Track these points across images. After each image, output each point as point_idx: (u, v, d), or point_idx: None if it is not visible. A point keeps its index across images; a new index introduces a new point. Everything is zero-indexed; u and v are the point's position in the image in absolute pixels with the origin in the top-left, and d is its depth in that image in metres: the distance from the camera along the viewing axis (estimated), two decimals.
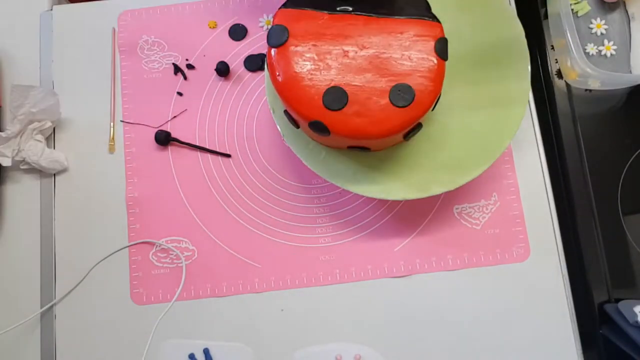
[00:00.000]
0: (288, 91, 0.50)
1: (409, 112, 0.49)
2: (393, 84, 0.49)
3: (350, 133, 0.50)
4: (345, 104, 0.49)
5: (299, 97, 0.50)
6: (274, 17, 0.52)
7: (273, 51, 0.51)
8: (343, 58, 0.50)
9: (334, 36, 0.51)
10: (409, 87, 0.49)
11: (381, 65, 0.50)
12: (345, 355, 0.62)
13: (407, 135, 0.53)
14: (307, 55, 0.50)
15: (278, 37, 0.51)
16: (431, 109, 0.51)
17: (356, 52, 0.50)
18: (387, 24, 0.51)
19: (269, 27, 0.52)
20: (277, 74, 0.51)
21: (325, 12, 0.51)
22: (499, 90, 0.58)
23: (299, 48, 0.50)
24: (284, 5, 0.52)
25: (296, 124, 0.55)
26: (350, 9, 0.51)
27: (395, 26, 0.51)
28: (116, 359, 0.63)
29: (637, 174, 0.64)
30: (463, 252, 0.63)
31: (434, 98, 0.50)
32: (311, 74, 0.50)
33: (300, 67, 0.50)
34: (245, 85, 0.68)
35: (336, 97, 0.49)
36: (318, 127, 0.50)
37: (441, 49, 0.50)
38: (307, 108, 0.50)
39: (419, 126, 0.52)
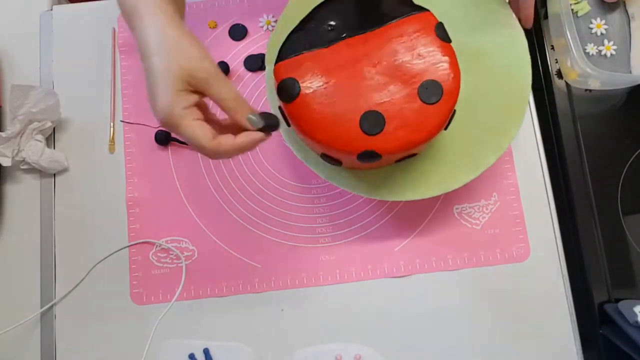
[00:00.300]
0: (323, 135, 0.50)
1: (443, 104, 0.49)
2: (417, 85, 0.49)
3: (400, 148, 0.49)
4: (384, 123, 0.49)
5: (337, 137, 0.49)
6: (275, 74, 0.51)
7: (291, 106, 0.50)
8: (360, 82, 0.50)
9: (342, 66, 0.50)
10: (434, 81, 0.49)
11: (398, 73, 0.50)
12: (345, 355, 0.62)
13: (447, 126, 0.52)
14: (326, 94, 0.50)
15: (290, 90, 0.50)
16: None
17: (370, 71, 0.50)
18: (383, 33, 0.51)
19: (276, 85, 0.51)
20: (305, 124, 0.50)
21: (322, 47, 0.51)
22: (498, 91, 0.58)
23: (314, 91, 0.50)
24: (279, 59, 0.51)
25: (338, 163, 0.54)
26: (344, 34, 0.51)
27: (392, 32, 0.51)
28: (116, 359, 0.63)
29: (637, 174, 0.64)
30: (463, 252, 0.63)
31: (459, 81, 0.50)
32: (339, 110, 0.49)
33: (325, 108, 0.49)
34: (245, 85, 0.68)
35: (373, 121, 0.49)
36: (369, 156, 0.50)
37: (442, 33, 0.50)
38: (350, 143, 0.49)
39: (454, 112, 0.52)
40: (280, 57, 0.52)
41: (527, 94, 0.57)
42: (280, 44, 0.52)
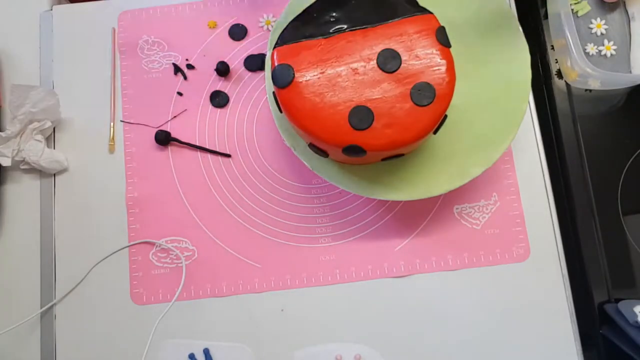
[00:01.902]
0: (312, 125, 0.50)
1: (435, 108, 0.49)
2: (411, 85, 0.49)
3: (386, 146, 0.50)
4: (373, 120, 0.49)
5: (324, 128, 0.50)
6: (272, 59, 0.52)
7: (283, 92, 0.50)
8: (354, 76, 0.50)
9: (338, 58, 0.50)
10: (427, 84, 0.49)
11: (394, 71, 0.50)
12: (345, 355, 0.62)
13: (437, 130, 0.53)
14: (319, 84, 0.50)
15: (284, 76, 0.50)
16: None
17: (365, 67, 0.50)
18: (383, 30, 0.51)
19: (272, 70, 0.51)
20: (295, 112, 0.50)
21: (321, 37, 0.51)
22: (498, 91, 0.58)
23: (308, 80, 0.50)
24: (278, 44, 0.52)
25: (324, 154, 0.54)
26: (345, 26, 0.51)
27: (393, 30, 0.51)
28: (116, 359, 0.63)
29: (637, 174, 0.64)
30: (463, 252, 0.63)
31: (453, 87, 0.50)
32: (329, 101, 0.50)
33: (317, 98, 0.50)
34: (245, 85, 0.68)
35: (361, 116, 0.49)
36: (354, 151, 0.50)
37: (442, 37, 0.50)
38: (337, 135, 0.49)
39: (445, 117, 0.52)
40: (280, 42, 0.52)
41: (523, 110, 0.57)
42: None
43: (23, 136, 0.65)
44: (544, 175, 0.65)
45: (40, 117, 0.65)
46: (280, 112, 0.53)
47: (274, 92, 0.53)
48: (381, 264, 0.63)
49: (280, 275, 0.64)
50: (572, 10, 0.66)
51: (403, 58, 0.50)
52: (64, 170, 0.67)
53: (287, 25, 0.52)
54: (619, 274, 0.62)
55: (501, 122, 0.57)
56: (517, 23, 0.58)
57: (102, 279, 0.65)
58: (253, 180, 0.66)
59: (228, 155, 0.67)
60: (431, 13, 0.51)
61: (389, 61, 0.50)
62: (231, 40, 0.69)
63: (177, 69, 0.69)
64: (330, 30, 0.51)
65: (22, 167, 0.66)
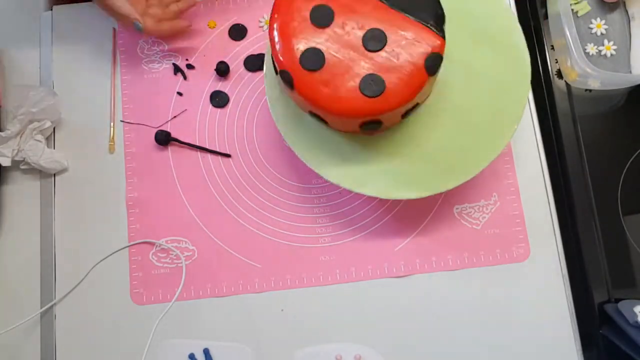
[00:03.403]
0: (280, 37, 0.50)
1: (371, 103, 0.49)
2: (370, 72, 0.49)
3: (311, 97, 0.50)
4: (319, 68, 0.49)
5: (283, 47, 0.50)
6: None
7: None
8: (338, 28, 0.50)
9: (342, 6, 0.50)
10: (383, 80, 0.49)
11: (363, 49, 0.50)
12: (345, 355, 0.62)
13: (405, 115, 0.53)
14: (306, 13, 0.50)
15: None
16: (401, 114, 0.51)
17: (353, 29, 0.50)
18: (394, 16, 0.50)
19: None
20: (275, 16, 0.51)
21: None
22: (498, 90, 0.58)
23: (302, 3, 0.50)
24: None
25: (289, 84, 0.53)
26: None
27: (400, 22, 0.50)
28: (116, 359, 0.63)
29: (637, 174, 0.64)
30: (463, 252, 0.63)
31: (403, 102, 0.49)
32: (302, 29, 0.50)
33: (296, 20, 0.50)
34: (245, 85, 0.68)
35: (314, 59, 0.49)
36: (285, 78, 0.50)
37: (432, 63, 0.49)
38: (286, 57, 0.50)
39: (416, 106, 0.52)
40: None
41: (524, 104, 0.57)
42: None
43: (23, 136, 0.65)
44: (544, 175, 0.65)
45: (40, 117, 0.65)
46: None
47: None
48: (381, 264, 0.63)
49: (280, 275, 0.64)
50: (572, 10, 0.66)
51: (387, 48, 0.50)
52: (64, 170, 0.67)
53: None
54: (619, 274, 0.62)
55: (502, 119, 0.57)
56: (517, 23, 0.58)
57: (102, 279, 0.65)
58: (253, 180, 0.66)
59: (228, 155, 0.67)
60: (444, 38, 0.50)
61: (373, 41, 0.50)
62: (231, 40, 0.69)
63: (177, 69, 0.69)
64: None
65: (22, 167, 0.66)
